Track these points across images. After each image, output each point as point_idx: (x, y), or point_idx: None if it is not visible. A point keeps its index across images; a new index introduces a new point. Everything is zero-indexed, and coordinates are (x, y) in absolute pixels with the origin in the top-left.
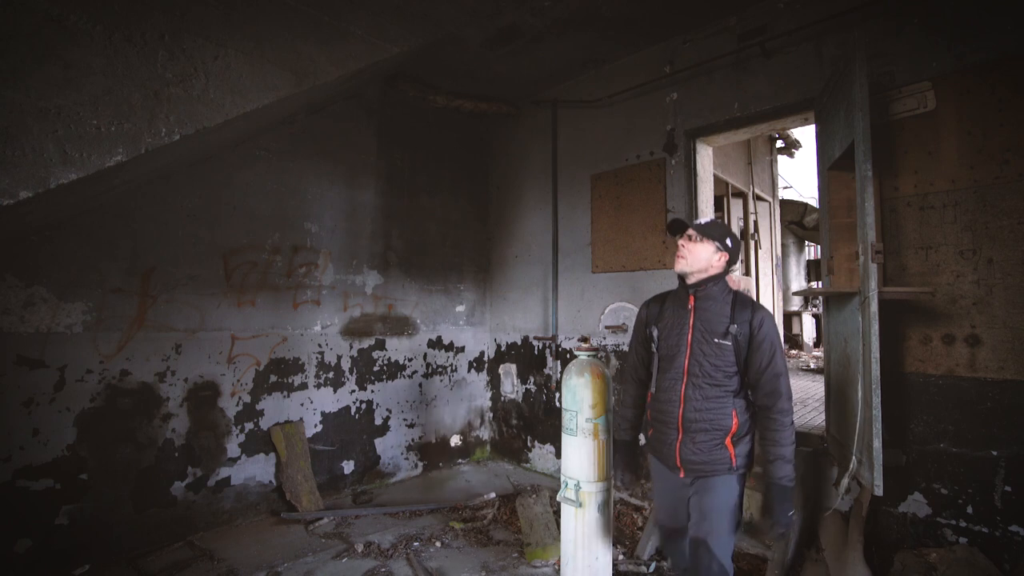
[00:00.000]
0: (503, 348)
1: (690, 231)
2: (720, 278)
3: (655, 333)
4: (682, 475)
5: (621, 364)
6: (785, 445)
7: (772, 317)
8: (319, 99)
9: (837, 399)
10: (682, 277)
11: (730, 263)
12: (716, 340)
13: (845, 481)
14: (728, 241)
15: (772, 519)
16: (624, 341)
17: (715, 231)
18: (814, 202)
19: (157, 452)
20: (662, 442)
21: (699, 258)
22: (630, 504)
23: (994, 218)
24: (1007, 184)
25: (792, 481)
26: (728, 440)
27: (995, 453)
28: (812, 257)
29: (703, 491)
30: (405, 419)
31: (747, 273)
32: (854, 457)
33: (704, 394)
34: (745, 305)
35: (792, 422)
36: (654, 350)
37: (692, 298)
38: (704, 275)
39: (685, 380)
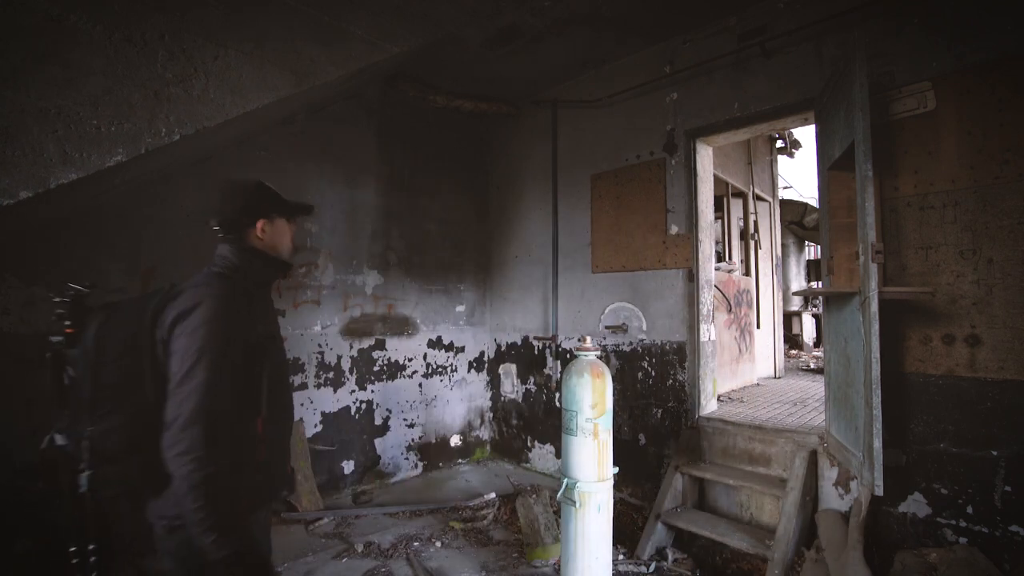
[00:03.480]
0: (503, 348)
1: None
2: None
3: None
4: None
5: (621, 364)
6: None
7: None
8: (319, 99)
9: (837, 399)
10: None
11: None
12: None
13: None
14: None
15: None
16: (624, 341)
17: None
18: (814, 202)
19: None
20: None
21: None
22: (630, 504)
23: (994, 218)
24: (1007, 184)
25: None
26: None
27: (995, 453)
28: (812, 257)
29: None
30: (405, 419)
31: (747, 273)
32: (854, 457)
33: None
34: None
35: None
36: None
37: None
38: None
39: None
